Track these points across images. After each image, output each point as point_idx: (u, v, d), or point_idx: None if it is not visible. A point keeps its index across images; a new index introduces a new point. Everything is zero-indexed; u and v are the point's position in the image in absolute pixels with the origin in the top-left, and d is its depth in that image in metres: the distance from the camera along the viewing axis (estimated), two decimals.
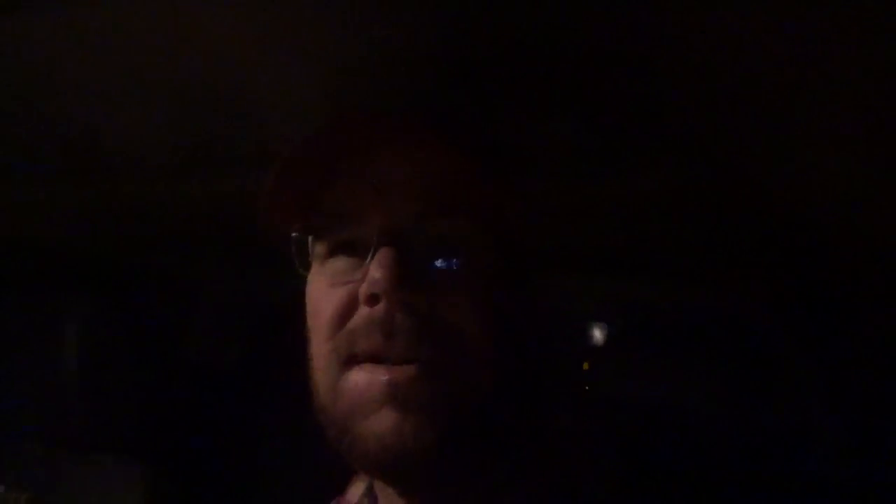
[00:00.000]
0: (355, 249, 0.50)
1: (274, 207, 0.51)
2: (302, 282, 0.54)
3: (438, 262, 0.49)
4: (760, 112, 0.57)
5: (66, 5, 0.51)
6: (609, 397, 1.01)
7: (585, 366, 1.02)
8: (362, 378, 0.47)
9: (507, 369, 0.50)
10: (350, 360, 0.48)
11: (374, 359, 0.47)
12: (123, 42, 0.55)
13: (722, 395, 1.01)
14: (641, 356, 1.05)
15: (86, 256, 1.08)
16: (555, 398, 0.57)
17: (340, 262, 0.51)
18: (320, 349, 0.50)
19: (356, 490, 0.59)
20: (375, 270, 0.46)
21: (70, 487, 0.92)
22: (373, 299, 0.47)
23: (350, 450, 0.48)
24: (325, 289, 0.51)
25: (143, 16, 0.51)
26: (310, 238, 0.53)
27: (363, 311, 0.47)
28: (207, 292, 1.24)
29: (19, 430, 0.97)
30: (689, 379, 1.01)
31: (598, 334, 1.20)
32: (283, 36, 0.52)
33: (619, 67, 0.52)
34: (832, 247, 0.89)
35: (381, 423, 0.46)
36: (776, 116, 0.58)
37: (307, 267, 0.53)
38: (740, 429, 1.00)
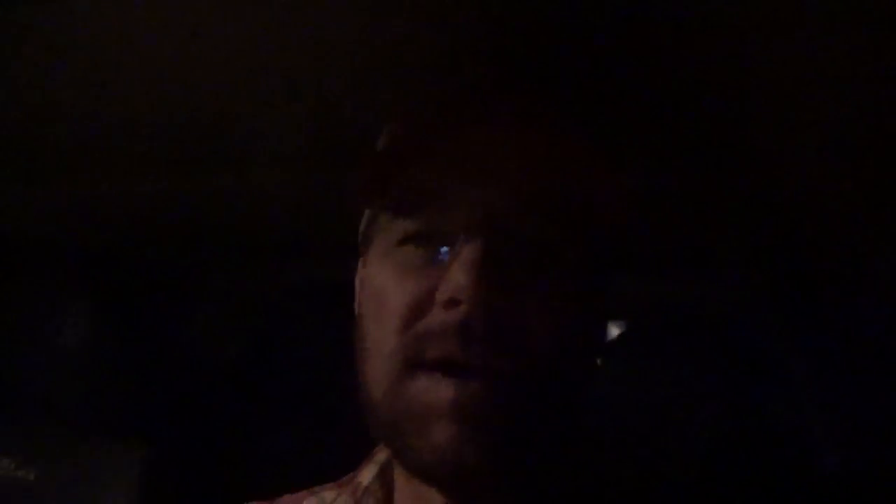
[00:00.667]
0: (432, 238, 0.45)
1: (360, 180, 0.48)
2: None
3: (526, 265, 0.44)
4: (765, 111, 0.57)
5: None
6: (616, 397, 1.01)
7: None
8: (429, 387, 0.43)
9: (571, 381, 0.47)
10: (418, 365, 0.44)
11: (444, 366, 0.43)
12: (121, 37, 0.54)
13: (727, 394, 1.01)
14: (645, 355, 1.05)
15: (88, 249, 1.09)
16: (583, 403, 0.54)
17: (413, 250, 0.46)
18: (383, 343, 0.45)
19: (367, 472, 0.56)
20: (459, 273, 0.42)
21: (69, 465, 0.93)
22: (453, 303, 0.42)
23: (402, 454, 0.46)
24: (394, 278, 0.46)
25: (143, 11, 0.51)
26: (383, 218, 0.48)
27: (438, 314, 0.43)
28: (207, 283, 1.26)
29: (25, 407, 0.98)
30: (692, 378, 1.01)
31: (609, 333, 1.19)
32: (288, 31, 0.52)
33: (623, 67, 0.52)
34: (833, 245, 0.88)
35: (442, 434, 0.42)
36: (781, 116, 0.58)
37: (370, 248, 0.50)
38: (746, 428, 1.00)
